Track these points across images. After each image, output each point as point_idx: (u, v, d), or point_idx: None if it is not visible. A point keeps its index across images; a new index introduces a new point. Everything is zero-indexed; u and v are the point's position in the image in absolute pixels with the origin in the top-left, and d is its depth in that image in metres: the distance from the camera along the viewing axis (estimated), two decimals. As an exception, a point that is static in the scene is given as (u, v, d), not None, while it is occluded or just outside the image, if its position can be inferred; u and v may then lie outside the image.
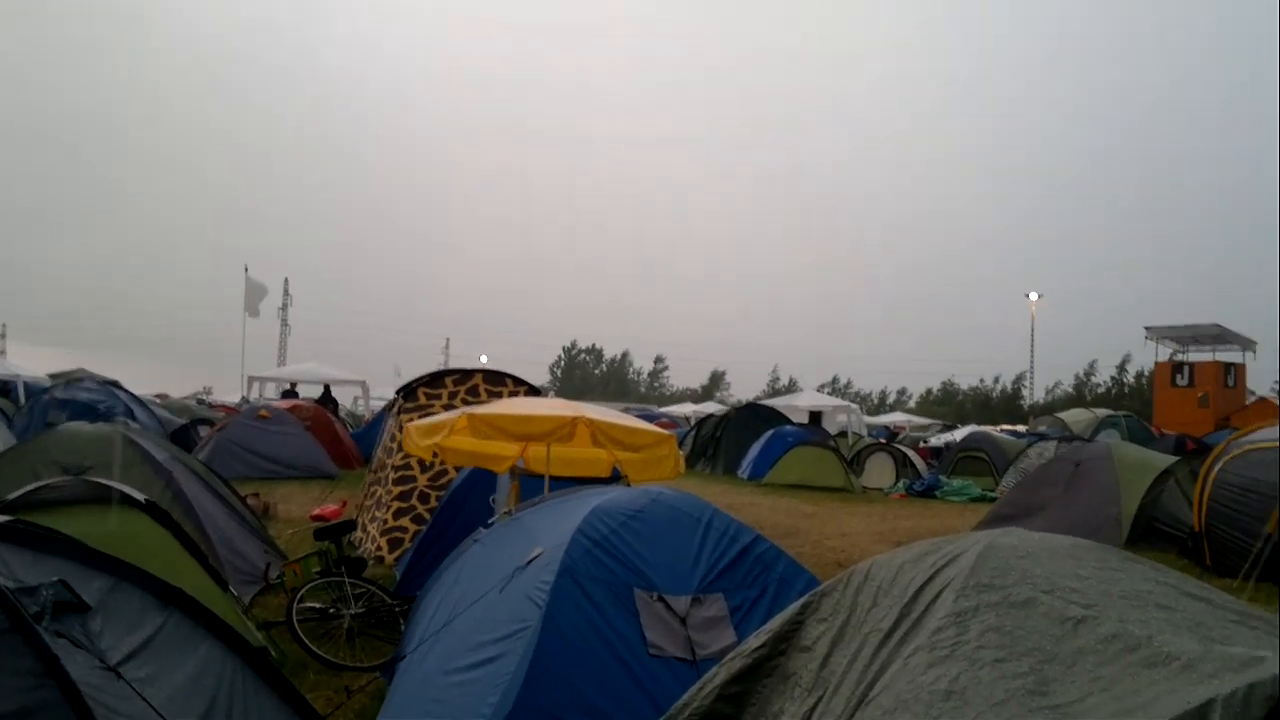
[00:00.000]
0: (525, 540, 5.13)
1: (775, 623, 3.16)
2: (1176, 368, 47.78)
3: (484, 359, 70.78)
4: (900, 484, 22.36)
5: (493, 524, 6.10)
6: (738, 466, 25.23)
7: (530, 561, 4.77)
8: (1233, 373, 46.99)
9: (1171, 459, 14.97)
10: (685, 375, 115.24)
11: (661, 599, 4.54)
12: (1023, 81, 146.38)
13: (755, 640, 3.16)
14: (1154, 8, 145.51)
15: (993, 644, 2.33)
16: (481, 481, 8.26)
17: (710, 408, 47.86)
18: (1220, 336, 48.15)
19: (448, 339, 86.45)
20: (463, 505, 8.28)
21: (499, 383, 11.32)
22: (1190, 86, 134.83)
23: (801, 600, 3.18)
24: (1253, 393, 48.88)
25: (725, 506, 5.92)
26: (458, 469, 9.08)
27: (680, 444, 28.25)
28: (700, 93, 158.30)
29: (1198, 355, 48.98)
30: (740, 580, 4.80)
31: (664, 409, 58.76)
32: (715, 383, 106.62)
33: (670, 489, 5.40)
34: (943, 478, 22.51)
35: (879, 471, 23.36)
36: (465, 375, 11.38)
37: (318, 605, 7.13)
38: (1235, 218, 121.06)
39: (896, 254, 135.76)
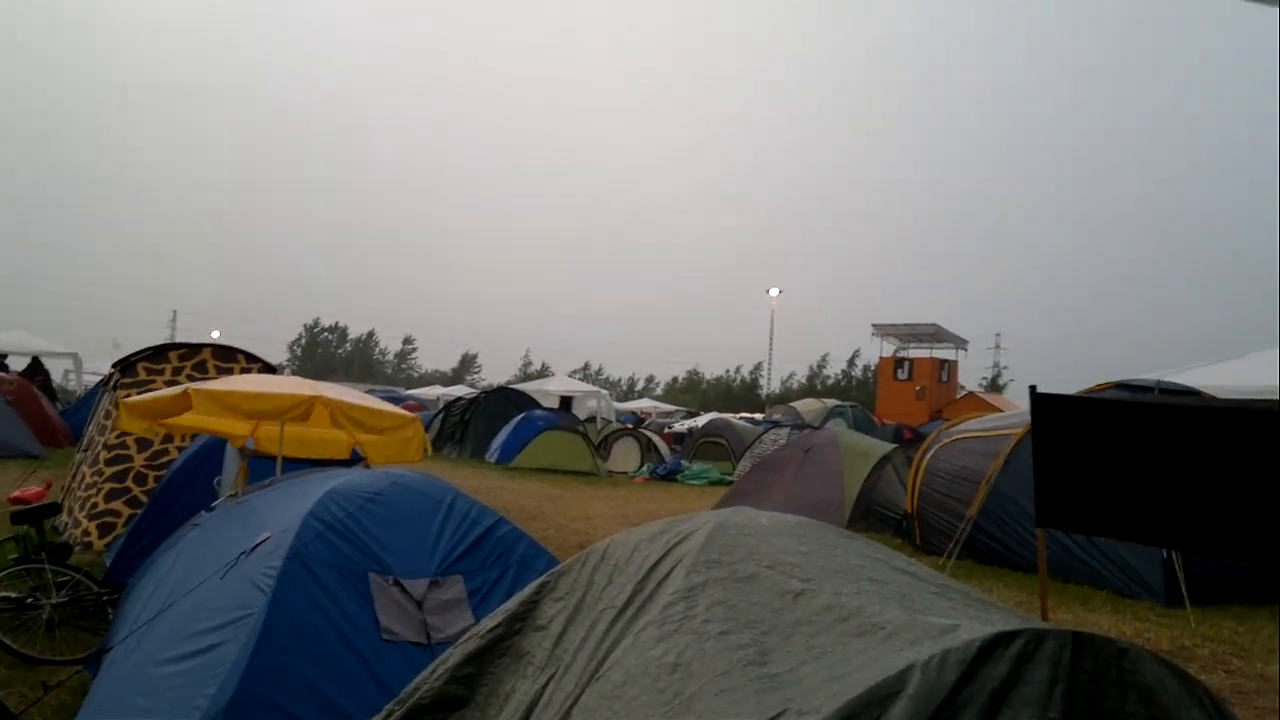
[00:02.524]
0: (252, 524, 4.84)
1: (511, 603, 3.13)
2: (898, 363, 51.73)
3: (216, 335, 66.75)
4: (645, 468, 22.98)
5: (216, 507, 5.73)
6: (486, 450, 25.08)
7: (257, 546, 4.51)
8: (946, 369, 51.42)
9: (890, 447, 16.16)
10: (435, 357, 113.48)
11: (398, 583, 4.41)
12: (764, 80, 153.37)
13: (490, 621, 3.11)
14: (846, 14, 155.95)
15: (718, 617, 2.40)
16: (207, 461, 7.74)
17: (460, 391, 47.29)
18: (937, 335, 52.53)
19: (175, 312, 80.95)
20: (184, 487, 7.74)
21: (230, 359, 10.66)
22: (924, 86, 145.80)
23: (539, 580, 3.16)
24: (963, 387, 53.73)
25: (472, 490, 5.84)
26: (180, 448, 8.47)
27: (428, 427, 27.86)
28: (454, 64, 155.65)
29: (917, 352, 53.20)
30: (480, 563, 4.74)
31: (412, 391, 57.59)
32: (466, 366, 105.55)
33: (412, 472, 5.26)
34: (684, 462, 23.33)
35: (625, 456, 23.89)
36: (193, 350, 10.63)
37: (13, 595, 6.47)
38: (956, 224, 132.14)
39: (649, 247, 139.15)
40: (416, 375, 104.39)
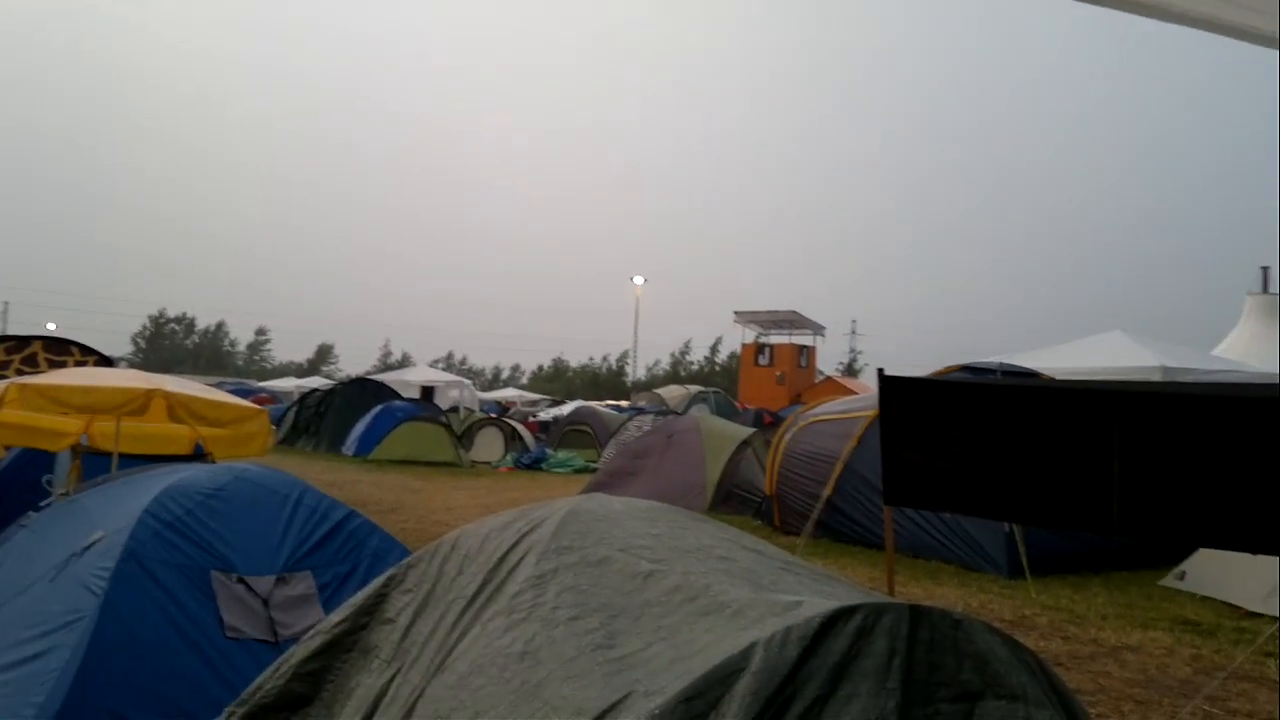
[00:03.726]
0: (84, 524, 4.59)
1: (358, 596, 3.04)
2: (759, 349, 52.79)
3: (51, 326, 63.09)
4: (509, 457, 22.81)
5: (45, 507, 5.40)
6: (343, 443, 24.43)
7: (89, 547, 4.27)
8: (805, 354, 52.71)
9: (750, 431, 16.48)
10: (290, 348, 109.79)
11: (242, 580, 4.25)
12: (621, 73, 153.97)
13: (336, 616, 3.02)
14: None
15: (568, 603, 2.38)
16: (36, 459, 7.29)
17: (316, 382, 45.95)
18: (796, 322, 53.82)
19: (5, 303, 76.13)
20: (10, 488, 7.27)
21: (63, 351, 10.08)
22: (787, 83, 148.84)
23: (387, 573, 3.09)
24: (821, 372, 55.19)
25: (327, 484, 5.67)
26: (7, 448, 7.96)
27: (280, 420, 26.95)
28: (298, 43, 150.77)
29: (778, 338, 54.39)
30: (331, 557, 4.61)
31: (264, 383, 55.68)
32: (322, 357, 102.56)
33: (258, 466, 5.07)
34: (549, 450, 23.25)
35: (489, 445, 23.66)
36: (21, 342, 10.02)
37: None
38: (815, 214, 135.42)
39: (513, 235, 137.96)
40: (270, 367, 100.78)
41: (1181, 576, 9.34)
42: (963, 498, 4.52)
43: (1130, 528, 4.39)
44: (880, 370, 4.83)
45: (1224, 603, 8.53)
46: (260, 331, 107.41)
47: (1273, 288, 22.69)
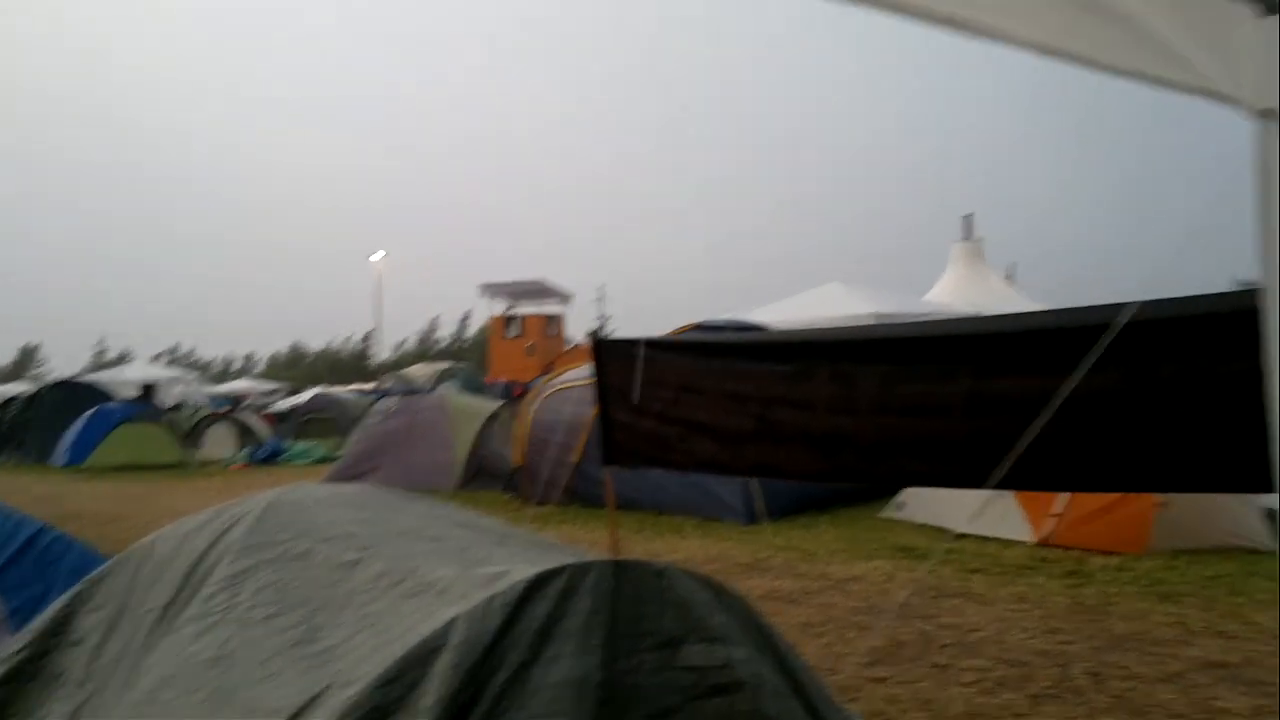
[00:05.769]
0: None
1: (39, 620, 2.78)
2: (508, 321, 52.64)
3: None
4: (242, 453, 21.62)
5: None
6: (53, 452, 22.28)
7: None
8: (554, 323, 53.05)
9: (499, 404, 16.42)
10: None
11: (-89, 616, 3.79)
12: (369, 47, 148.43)
13: (15, 643, 2.75)
14: None
15: (266, 601, 2.27)
16: None
17: (20, 388, 41.68)
18: (544, 291, 53.95)
19: None
20: None
21: None
22: (523, 38, 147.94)
23: (72, 590, 2.84)
24: (570, 340, 55.70)
25: (36, 498, 5.18)
26: None
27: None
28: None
29: (527, 309, 54.35)
30: (21, 579, 4.21)
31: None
32: (27, 359, 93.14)
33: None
34: (286, 442, 22.25)
35: (219, 442, 22.27)
36: None
37: None
38: (553, 179, 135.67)
39: (241, 218, 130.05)
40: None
41: (900, 507, 10.17)
42: (681, 455, 4.68)
43: (841, 474, 4.70)
44: (592, 333, 4.93)
45: (936, 527, 9.35)
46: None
47: (975, 235, 24.85)
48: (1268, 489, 2.42)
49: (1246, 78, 2.11)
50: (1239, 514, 8.11)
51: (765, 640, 2.40)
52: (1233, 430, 3.09)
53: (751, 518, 10.03)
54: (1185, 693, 4.93)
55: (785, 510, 10.27)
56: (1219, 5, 1.91)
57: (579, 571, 2.15)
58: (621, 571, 2.22)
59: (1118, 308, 3.22)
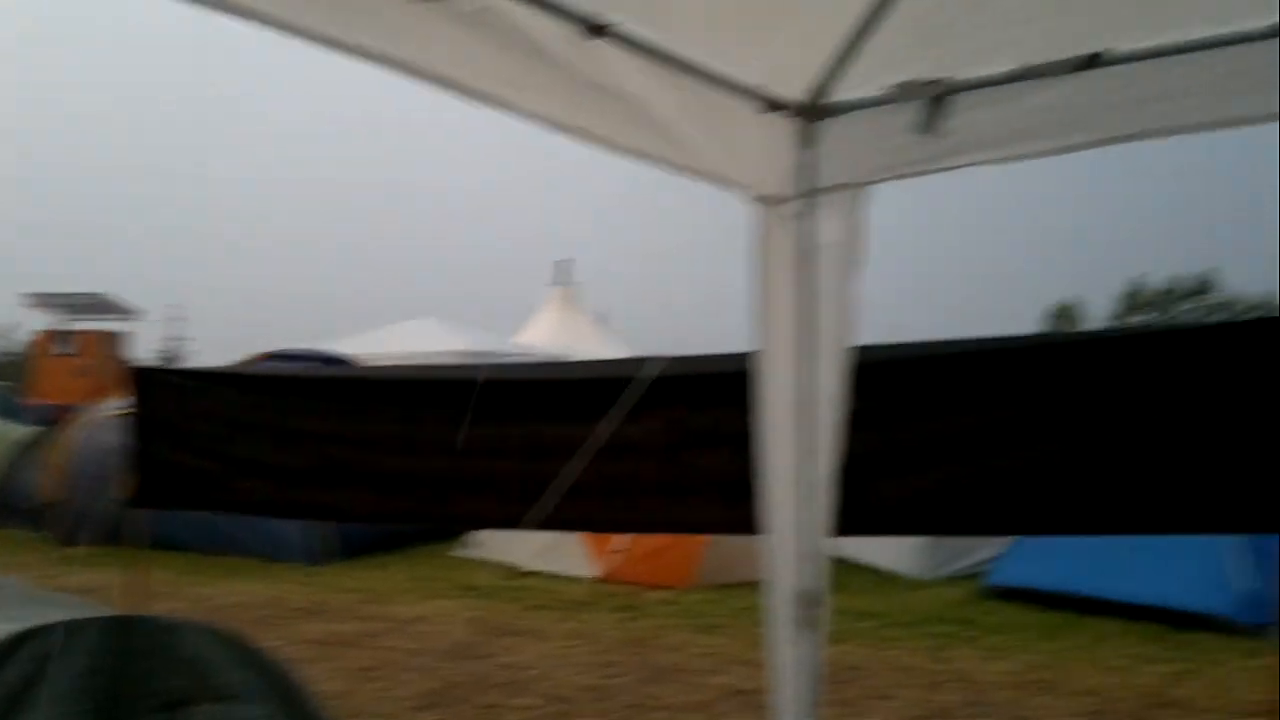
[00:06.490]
0: None
1: None
2: (59, 336, 46.89)
3: None
4: None
5: None
6: None
7: None
8: (115, 342, 47.99)
9: (38, 430, 14.55)
10: None
11: None
12: None
13: None
14: None
15: None
16: None
17: None
18: (104, 306, 48.66)
19: None
20: None
21: None
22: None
23: None
24: (141, 361, 50.61)
25: None
26: None
27: None
28: None
29: (87, 325, 48.65)
30: None
31: None
32: None
33: None
34: None
35: None
36: None
37: None
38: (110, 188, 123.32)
39: None
40: None
41: (472, 545, 10.27)
42: (229, 495, 4.43)
43: (403, 516, 4.63)
44: (132, 364, 4.52)
45: (506, 564, 9.54)
46: None
47: (570, 281, 25.78)
48: (756, 531, 2.72)
49: (747, 166, 2.42)
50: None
51: (289, 695, 2.32)
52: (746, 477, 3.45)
53: (315, 558, 9.68)
54: (711, 720, 5.39)
55: (357, 549, 10.03)
56: (722, 100, 2.18)
57: (74, 629, 1.96)
58: (126, 628, 2.06)
59: (656, 361, 3.51)
